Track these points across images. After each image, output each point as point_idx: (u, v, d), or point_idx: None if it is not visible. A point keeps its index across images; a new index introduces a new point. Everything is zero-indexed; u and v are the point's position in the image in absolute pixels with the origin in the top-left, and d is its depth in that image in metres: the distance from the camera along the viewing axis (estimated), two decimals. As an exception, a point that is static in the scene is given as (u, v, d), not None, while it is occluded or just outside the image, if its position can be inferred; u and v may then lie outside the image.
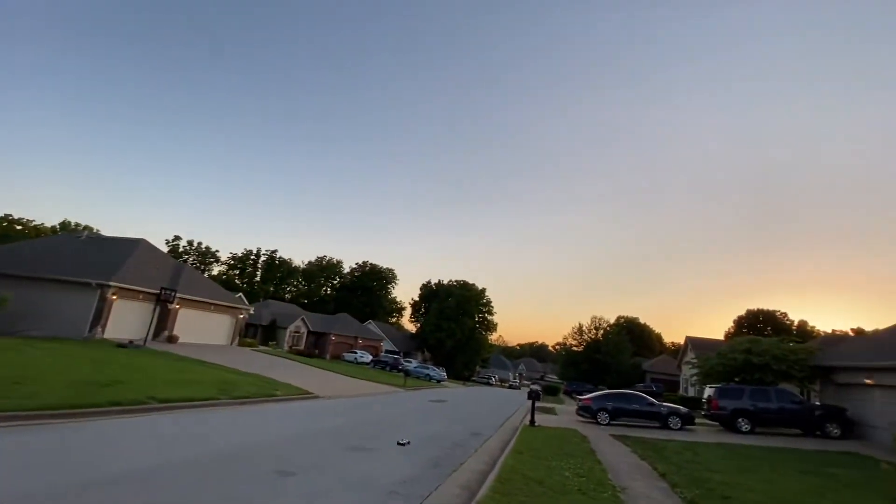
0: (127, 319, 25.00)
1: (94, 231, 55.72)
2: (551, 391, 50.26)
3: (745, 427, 17.56)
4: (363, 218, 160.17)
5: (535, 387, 20.55)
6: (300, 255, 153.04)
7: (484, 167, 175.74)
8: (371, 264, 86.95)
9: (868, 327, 57.93)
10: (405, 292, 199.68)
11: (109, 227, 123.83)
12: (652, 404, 18.98)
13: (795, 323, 66.71)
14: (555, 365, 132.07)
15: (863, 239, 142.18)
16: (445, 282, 76.18)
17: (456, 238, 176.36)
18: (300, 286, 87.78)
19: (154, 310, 26.51)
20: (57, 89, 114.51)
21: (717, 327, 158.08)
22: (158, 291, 26.33)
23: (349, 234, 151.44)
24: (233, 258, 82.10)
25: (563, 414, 24.31)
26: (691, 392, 37.42)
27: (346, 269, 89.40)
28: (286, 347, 46.92)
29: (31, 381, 10.15)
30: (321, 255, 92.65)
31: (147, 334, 25.03)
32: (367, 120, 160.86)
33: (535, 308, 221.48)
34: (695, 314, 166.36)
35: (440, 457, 9.21)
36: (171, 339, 27.19)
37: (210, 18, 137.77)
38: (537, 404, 17.60)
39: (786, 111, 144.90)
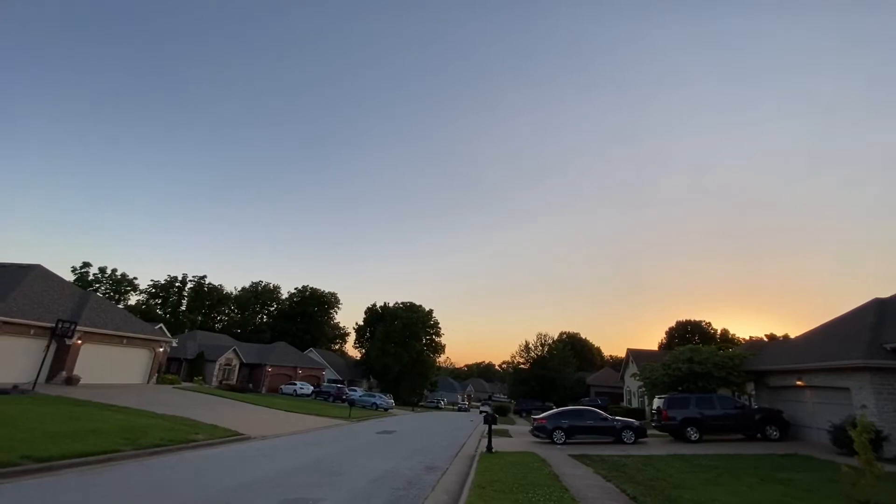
0: (12, 359, 21.13)
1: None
2: (501, 411, 49.69)
3: (694, 436, 17.75)
4: (302, 241, 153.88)
5: (488, 409, 19.67)
6: (233, 281, 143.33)
7: (426, 187, 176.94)
8: (312, 289, 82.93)
9: (779, 333, 63.81)
10: (349, 317, 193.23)
11: (7, 253, 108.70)
12: (605, 419, 18.76)
13: (719, 331, 71.96)
14: (503, 384, 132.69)
15: (767, 251, 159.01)
16: (391, 304, 74.16)
17: (402, 259, 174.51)
18: (233, 314, 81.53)
19: (48, 346, 22.66)
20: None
21: (652, 339, 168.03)
22: (54, 325, 22.60)
23: (287, 258, 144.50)
24: (154, 286, 74.65)
25: (518, 435, 23.56)
26: (635, 403, 38.38)
27: (285, 295, 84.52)
28: (215, 383, 42.61)
29: None
30: (256, 280, 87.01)
31: (37, 376, 21.20)
32: (308, 144, 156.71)
33: (481, 327, 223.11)
34: (631, 327, 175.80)
35: (393, 501, 7.96)
36: (71, 381, 23.34)
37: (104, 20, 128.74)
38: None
39: (684, 133, 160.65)
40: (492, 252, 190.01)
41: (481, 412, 51.17)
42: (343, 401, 40.52)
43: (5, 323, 20.78)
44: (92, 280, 66.03)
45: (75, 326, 23.36)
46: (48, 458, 9.08)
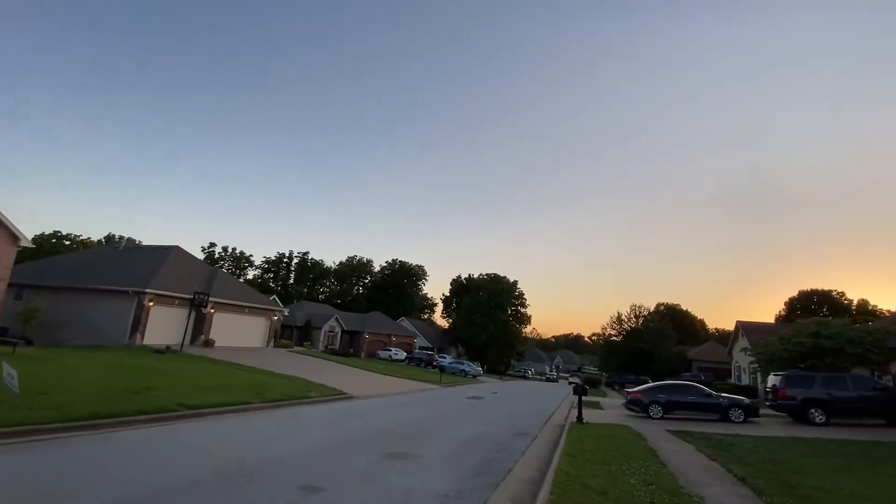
0: (164, 325, 25.36)
1: (135, 241, 57.88)
2: (592, 383, 48.56)
3: (819, 418, 15.81)
4: (392, 216, 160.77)
5: (577, 380, 19.37)
6: (332, 255, 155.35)
7: (511, 158, 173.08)
8: (400, 262, 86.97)
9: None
10: (436, 288, 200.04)
11: (150, 236, 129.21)
12: (709, 395, 17.45)
13: (854, 302, 61.95)
14: (592, 356, 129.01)
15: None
16: (476, 276, 75.20)
17: (485, 231, 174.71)
18: (333, 286, 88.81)
19: (189, 315, 26.84)
20: (87, 107, 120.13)
21: (766, 311, 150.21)
22: (192, 296, 26.62)
23: (378, 233, 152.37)
24: (266, 262, 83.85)
25: (610, 408, 22.97)
26: (745, 380, 35.04)
27: (377, 268, 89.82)
28: (321, 347, 47.22)
29: (62, 392, 9.92)
30: (352, 254, 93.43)
31: (183, 339, 25.32)
32: (390, 120, 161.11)
33: (569, 299, 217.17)
34: (740, 298, 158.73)
35: (485, 463, 8.32)
36: (208, 344, 27.48)
37: (233, 30, 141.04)
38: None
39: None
40: (581, 220, 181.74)
41: (570, 383, 50.50)
42: (433, 367, 42.60)
43: (157, 295, 25.00)
44: (217, 258, 76.06)
45: (208, 298, 27.34)
46: (198, 406, 10.92)
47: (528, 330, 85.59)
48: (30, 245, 21.66)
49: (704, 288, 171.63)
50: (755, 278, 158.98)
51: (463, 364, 45.84)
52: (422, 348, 59.39)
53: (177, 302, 26.29)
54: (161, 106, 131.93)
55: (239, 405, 12.04)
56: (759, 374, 26.36)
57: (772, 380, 18.36)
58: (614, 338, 67.52)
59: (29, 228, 20.70)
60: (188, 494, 5.30)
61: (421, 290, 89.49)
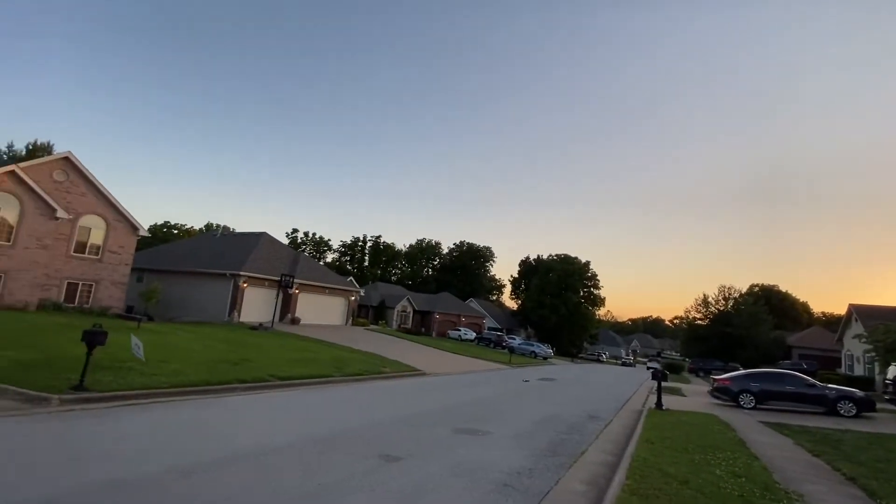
0: (256, 304, 27.97)
1: (229, 229, 64.02)
2: (673, 369, 45.84)
3: (956, 417, 13.60)
4: (460, 197, 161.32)
5: (656, 365, 18.36)
6: (402, 238, 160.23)
7: (583, 131, 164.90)
8: (468, 243, 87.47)
9: None
10: (504, 270, 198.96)
11: (241, 223, 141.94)
12: (813, 386, 15.69)
13: None
14: (673, 340, 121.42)
15: None
16: (545, 257, 73.53)
17: (555, 211, 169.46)
18: (404, 268, 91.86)
19: (277, 295, 29.30)
20: (179, 105, 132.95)
21: (885, 293, 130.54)
22: (280, 278, 28.99)
23: (446, 215, 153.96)
24: (343, 245, 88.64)
25: (693, 395, 21.59)
26: (858, 370, 30.96)
27: (445, 250, 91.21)
28: (395, 326, 49.34)
29: (177, 361, 11.40)
30: (421, 237, 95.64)
31: (273, 317, 27.77)
32: (453, 101, 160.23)
33: (647, 281, 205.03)
34: (853, 279, 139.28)
35: (556, 443, 8.27)
36: (294, 321, 29.90)
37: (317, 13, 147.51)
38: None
39: None
40: (660, 196, 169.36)
41: (649, 368, 48.10)
42: (503, 347, 42.72)
43: (250, 278, 27.60)
44: (300, 242, 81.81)
45: (293, 279, 29.65)
46: (287, 378, 12.01)
47: (601, 312, 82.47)
48: (146, 234, 24.99)
49: (810, 268, 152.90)
50: (873, 256, 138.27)
51: (533, 345, 45.44)
52: (490, 329, 59.72)
53: (267, 283, 28.81)
54: (253, 107, 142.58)
55: (322, 377, 13.05)
56: (876, 363, 23.17)
57: (892, 371, 16.06)
58: (699, 321, 62.75)
59: (144, 220, 23.97)
60: (285, 454, 5.90)
61: (489, 271, 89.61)
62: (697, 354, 57.68)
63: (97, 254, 22.20)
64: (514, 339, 49.63)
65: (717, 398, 17.11)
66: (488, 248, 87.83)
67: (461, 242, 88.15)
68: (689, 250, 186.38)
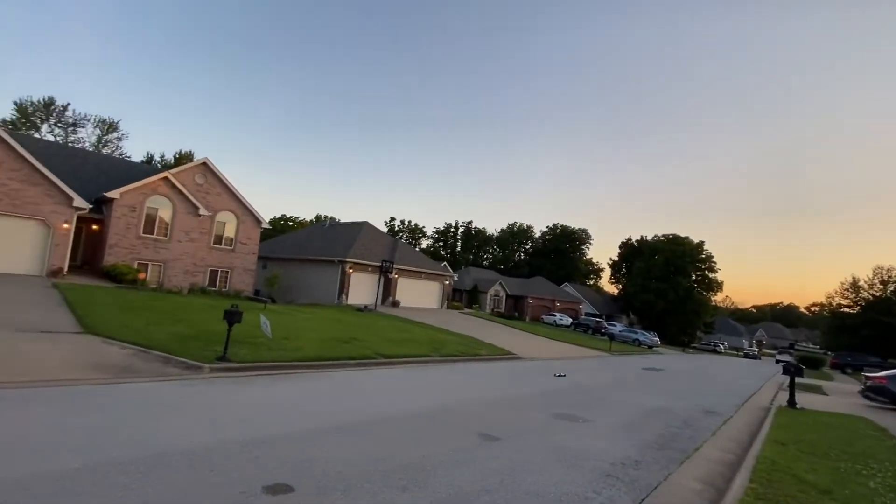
0: (361, 288, 30.18)
1: (335, 219, 69.59)
2: (811, 363, 39.74)
3: None
4: (553, 177, 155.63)
5: (788, 358, 16.06)
6: (492, 223, 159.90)
7: (696, 91, 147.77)
8: (562, 226, 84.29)
9: None
10: (602, 253, 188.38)
11: (346, 213, 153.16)
12: None
13: None
14: (810, 331, 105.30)
15: None
16: (650, 238, 68.00)
17: (661, 187, 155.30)
18: (495, 253, 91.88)
19: (379, 279, 31.28)
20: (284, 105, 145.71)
21: None
22: (381, 264, 30.88)
23: (538, 198, 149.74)
24: (436, 232, 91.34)
25: (836, 394, 18.57)
26: None
27: (537, 234, 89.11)
28: (488, 310, 49.77)
29: (297, 338, 12.82)
30: (511, 221, 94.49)
31: (376, 300, 29.74)
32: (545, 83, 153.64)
33: (776, 263, 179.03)
34: None
35: (666, 437, 7.72)
36: (395, 304, 31.71)
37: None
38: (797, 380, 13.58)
39: None
40: (787, 162, 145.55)
41: (778, 361, 42.37)
42: (602, 334, 40.74)
43: (355, 264, 29.84)
44: (397, 230, 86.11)
45: (392, 265, 31.41)
46: (390, 356, 12.83)
47: (718, 298, 74.25)
48: (268, 227, 28.24)
49: None
50: None
51: (636, 333, 42.59)
52: (588, 315, 57.28)
53: (369, 269, 30.90)
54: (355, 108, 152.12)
55: (421, 357, 13.71)
56: None
57: None
58: (846, 309, 53.34)
59: (265, 214, 27.17)
60: (391, 425, 6.36)
61: (585, 254, 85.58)
62: (843, 347, 49.14)
63: (231, 245, 25.68)
64: (614, 325, 47.01)
65: (871, 399, 14.50)
66: (584, 231, 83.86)
67: (554, 225, 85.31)
68: (835, 226, 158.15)
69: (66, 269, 18.03)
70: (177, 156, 56.22)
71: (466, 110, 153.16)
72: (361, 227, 35.59)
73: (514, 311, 52.61)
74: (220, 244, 25.19)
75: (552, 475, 5.13)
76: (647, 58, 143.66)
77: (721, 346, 61.96)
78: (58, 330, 9.76)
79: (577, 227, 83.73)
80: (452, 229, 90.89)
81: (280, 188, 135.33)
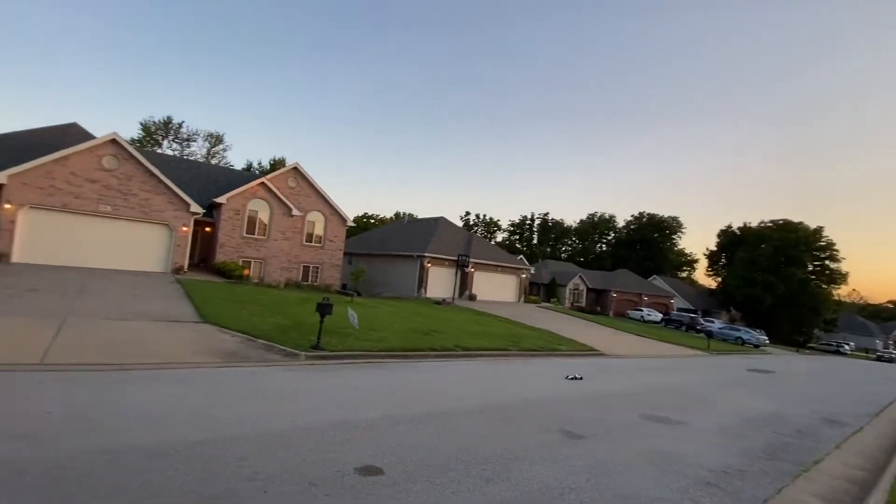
0: (439, 282, 30.86)
1: (413, 216, 71.77)
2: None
3: None
4: (638, 163, 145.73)
5: None
6: (570, 214, 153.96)
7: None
8: (649, 214, 78.65)
9: None
10: (696, 242, 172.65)
11: (421, 209, 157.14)
12: None
13: None
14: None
15: None
16: (754, 224, 60.99)
17: (769, 168, 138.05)
18: (574, 245, 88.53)
19: (456, 273, 31.73)
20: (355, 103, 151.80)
21: None
22: (457, 258, 31.28)
23: (622, 185, 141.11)
24: (512, 225, 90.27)
25: None
26: None
27: (621, 223, 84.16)
28: (567, 304, 48.15)
29: (382, 329, 13.46)
30: (592, 211, 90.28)
31: (454, 293, 30.22)
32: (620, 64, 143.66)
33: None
34: None
35: (776, 446, 6.91)
36: (472, 297, 31.97)
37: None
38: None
39: None
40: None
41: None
42: (697, 331, 37.45)
43: (433, 258, 30.57)
44: (471, 224, 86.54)
45: (468, 258, 31.67)
46: (469, 348, 12.97)
47: (842, 292, 64.62)
48: (352, 224, 29.95)
49: None
50: None
51: (739, 330, 38.50)
52: (680, 310, 52.92)
53: (446, 263, 31.47)
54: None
55: (500, 350, 13.68)
56: None
57: None
58: None
59: (349, 212, 28.83)
60: (473, 417, 6.45)
61: (676, 244, 79.04)
62: None
63: (320, 242, 27.64)
64: (711, 321, 42.97)
65: None
66: (674, 219, 77.45)
67: (640, 214, 79.89)
68: None
69: (186, 266, 20.68)
70: (272, 162, 61.66)
71: (546, 101, 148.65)
72: (438, 223, 36.30)
73: (595, 306, 50.36)
74: (311, 242, 27.21)
75: (643, 479, 4.84)
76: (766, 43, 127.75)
77: (846, 346, 53.80)
78: (181, 319, 11.25)
79: (665, 216, 77.69)
80: (528, 222, 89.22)
81: (360, 188, 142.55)
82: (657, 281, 61.70)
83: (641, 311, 46.36)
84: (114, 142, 18.78)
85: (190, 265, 21.65)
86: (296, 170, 26.77)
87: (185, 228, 20.55)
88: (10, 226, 16.47)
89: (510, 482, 4.32)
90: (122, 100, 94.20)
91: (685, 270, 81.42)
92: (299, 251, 26.47)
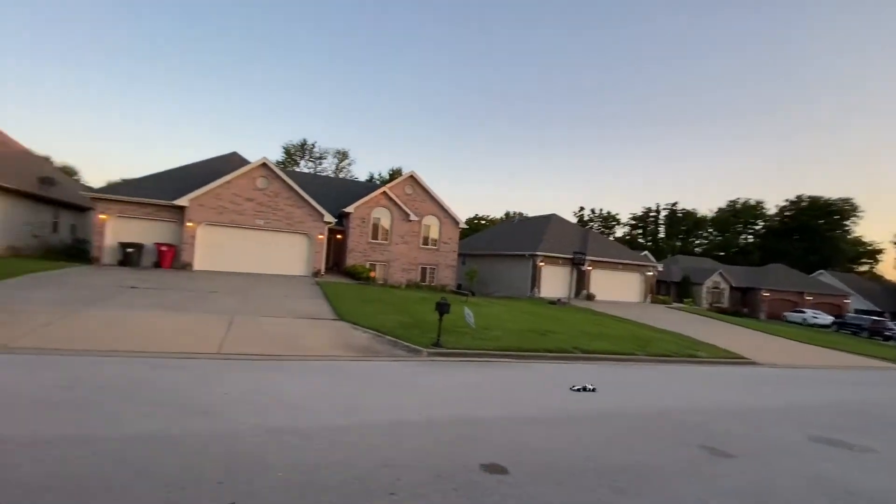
0: (553, 281, 29.94)
1: (523, 214, 70.84)
2: None
3: None
4: (789, 139, 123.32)
5: None
6: (705, 203, 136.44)
7: None
8: (810, 197, 65.95)
9: None
10: (880, 230, 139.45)
11: (532, 207, 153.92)
12: None
13: None
14: None
15: None
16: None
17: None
18: (711, 237, 78.33)
19: (571, 272, 30.43)
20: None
21: None
22: (572, 256, 29.98)
23: (771, 166, 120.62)
24: (633, 218, 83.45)
25: None
26: None
27: (772, 210, 72.05)
28: (705, 305, 42.83)
29: (496, 329, 13.53)
30: (732, 199, 78.85)
31: (569, 293, 29.02)
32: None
33: None
34: None
35: None
36: (590, 297, 30.34)
37: None
38: None
39: None
40: None
41: None
42: (885, 338, 30.28)
43: (545, 257, 29.77)
44: (587, 220, 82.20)
45: (585, 256, 30.12)
46: (589, 351, 12.32)
47: None
48: (464, 226, 30.71)
49: None
50: None
51: (948, 337, 30.13)
52: (858, 311, 43.31)
53: (560, 261, 30.39)
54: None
55: (623, 354, 12.71)
56: None
57: None
58: None
59: (460, 214, 29.62)
60: (595, 423, 6.12)
61: (849, 232, 64.94)
62: None
63: (435, 245, 28.90)
64: (905, 326, 34.33)
65: None
66: (847, 201, 63.75)
67: (798, 197, 67.45)
68: None
69: (323, 270, 23.34)
70: (390, 172, 66.38)
71: (671, 84, 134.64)
72: (549, 220, 35.25)
73: (741, 307, 43.94)
74: (427, 244, 28.58)
75: (815, 512, 4.07)
76: None
77: None
78: (320, 317, 12.71)
79: (834, 198, 64.40)
80: (652, 214, 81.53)
81: (471, 190, 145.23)
82: (825, 277, 51.50)
83: (803, 312, 39.19)
84: (264, 165, 22.05)
85: (325, 269, 24.36)
86: (412, 178, 28.38)
87: (321, 237, 23.17)
88: (192, 240, 20.40)
89: (646, 497, 3.99)
90: (268, 126, 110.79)
91: (865, 263, 66.55)
92: (417, 253, 28.00)
